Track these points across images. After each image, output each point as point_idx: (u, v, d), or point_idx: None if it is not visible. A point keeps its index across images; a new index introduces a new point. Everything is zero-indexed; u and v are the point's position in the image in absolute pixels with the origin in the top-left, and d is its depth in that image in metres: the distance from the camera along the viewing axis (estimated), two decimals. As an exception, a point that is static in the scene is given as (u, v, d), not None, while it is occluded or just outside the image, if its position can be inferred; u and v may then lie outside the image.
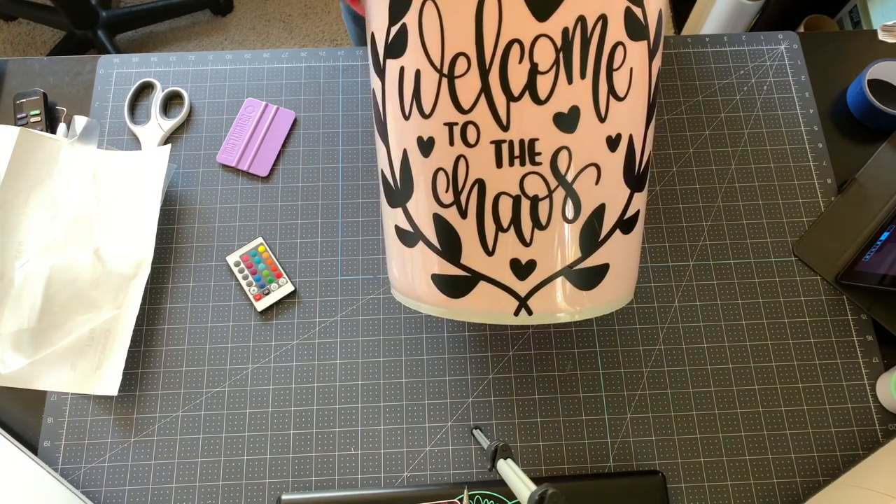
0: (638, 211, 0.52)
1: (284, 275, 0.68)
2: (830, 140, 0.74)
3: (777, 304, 0.67)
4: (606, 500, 0.59)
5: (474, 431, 0.61)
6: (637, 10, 0.46)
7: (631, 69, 0.47)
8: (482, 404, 0.64)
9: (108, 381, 0.62)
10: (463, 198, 0.48)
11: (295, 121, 0.74)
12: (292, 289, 0.67)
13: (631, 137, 0.48)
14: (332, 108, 0.75)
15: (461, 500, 0.58)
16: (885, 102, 0.71)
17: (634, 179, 0.50)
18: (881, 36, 0.66)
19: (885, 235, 0.64)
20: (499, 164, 0.46)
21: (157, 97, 0.74)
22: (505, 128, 0.45)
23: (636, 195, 0.51)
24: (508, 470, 0.47)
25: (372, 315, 0.67)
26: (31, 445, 0.63)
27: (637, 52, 0.47)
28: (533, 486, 0.43)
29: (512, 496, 0.59)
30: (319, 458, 0.62)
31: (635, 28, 0.46)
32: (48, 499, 0.58)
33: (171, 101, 0.76)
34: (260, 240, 0.69)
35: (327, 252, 0.69)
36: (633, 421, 0.64)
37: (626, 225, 0.50)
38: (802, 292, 0.68)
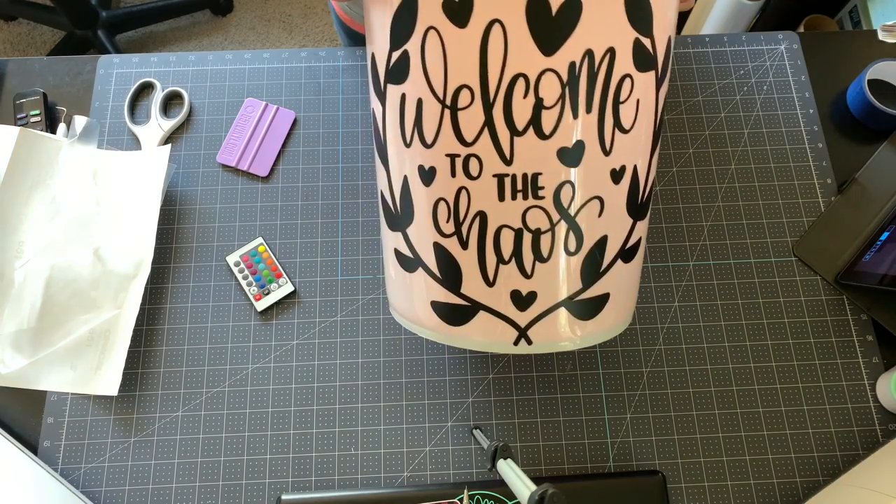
0: (640, 238, 0.51)
1: (284, 275, 0.68)
2: (830, 140, 0.74)
3: (777, 304, 0.67)
4: (606, 500, 0.59)
5: (474, 431, 0.61)
6: (646, 41, 0.45)
7: (637, 101, 0.46)
8: (482, 404, 0.64)
9: (108, 381, 0.62)
10: (464, 229, 0.47)
11: (295, 121, 0.74)
12: (292, 289, 0.67)
13: (635, 168, 0.48)
14: (332, 108, 0.75)
15: (461, 500, 0.58)
16: (885, 102, 0.71)
17: (637, 209, 0.49)
18: (881, 36, 0.66)
19: (885, 235, 0.64)
20: (501, 197, 0.45)
21: (157, 97, 0.74)
22: (508, 162, 0.45)
23: (638, 224, 0.50)
24: (508, 470, 0.47)
25: (372, 315, 0.67)
26: (31, 445, 0.63)
27: (644, 82, 0.46)
28: (533, 486, 0.43)
29: (512, 496, 0.59)
30: (319, 458, 0.62)
31: (644, 59, 0.45)
32: (48, 499, 0.58)
33: (171, 101, 0.76)
34: (260, 240, 0.69)
35: (327, 252, 0.69)
36: (633, 421, 0.64)
37: (627, 254, 0.50)
38: (802, 292, 0.68)
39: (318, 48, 0.78)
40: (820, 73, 0.76)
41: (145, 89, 0.76)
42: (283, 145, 0.73)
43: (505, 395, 0.64)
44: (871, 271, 0.63)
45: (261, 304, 0.66)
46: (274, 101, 0.75)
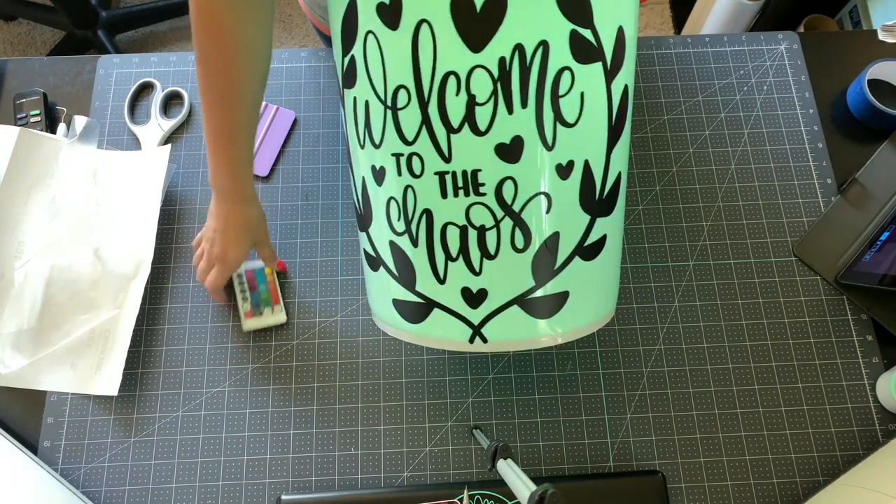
0: (604, 236, 0.50)
1: (281, 303, 0.66)
2: (830, 140, 0.74)
3: (777, 304, 0.67)
4: (606, 500, 0.59)
5: (474, 431, 0.61)
6: (585, 32, 0.44)
7: (582, 93, 0.45)
8: (482, 404, 0.64)
9: (108, 381, 0.62)
10: (413, 227, 0.48)
11: (295, 121, 0.74)
12: (284, 319, 0.66)
13: (587, 163, 0.47)
14: (332, 108, 0.75)
15: (461, 500, 0.58)
16: (885, 102, 0.71)
17: (596, 205, 0.48)
18: (881, 36, 0.66)
19: (885, 235, 0.64)
20: (444, 194, 0.46)
21: (157, 97, 0.74)
22: (447, 159, 0.45)
23: (601, 220, 0.49)
24: (508, 470, 0.47)
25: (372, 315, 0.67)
26: (31, 445, 0.63)
27: (588, 75, 0.45)
28: (533, 486, 0.43)
29: (512, 496, 0.59)
30: (319, 458, 0.62)
31: (584, 51, 0.44)
32: (48, 499, 0.58)
33: (171, 101, 0.76)
34: None
35: (327, 252, 0.69)
36: (633, 421, 0.64)
37: (587, 251, 0.49)
38: (802, 292, 0.68)
39: (319, 48, 0.78)
40: (820, 74, 0.76)
41: (145, 89, 0.76)
42: (283, 145, 0.73)
43: (505, 395, 0.64)
44: (871, 271, 0.63)
45: (248, 325, 0.65)
46: (274, 101, 0.75)
